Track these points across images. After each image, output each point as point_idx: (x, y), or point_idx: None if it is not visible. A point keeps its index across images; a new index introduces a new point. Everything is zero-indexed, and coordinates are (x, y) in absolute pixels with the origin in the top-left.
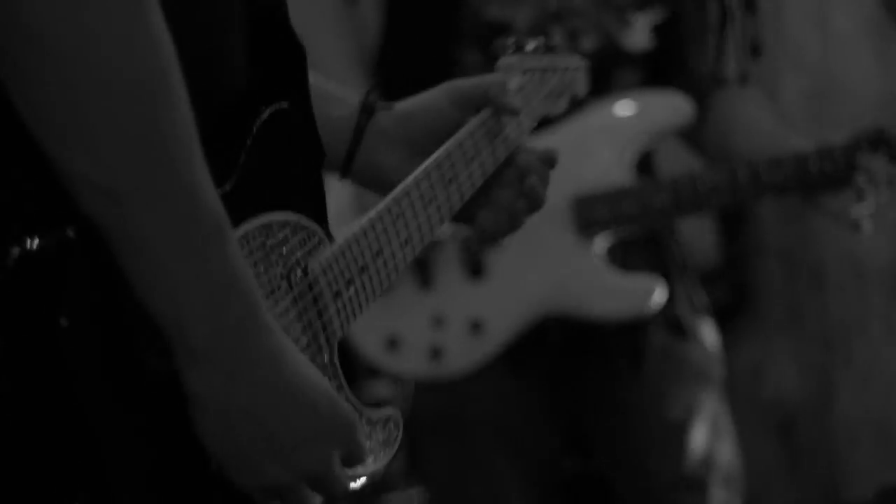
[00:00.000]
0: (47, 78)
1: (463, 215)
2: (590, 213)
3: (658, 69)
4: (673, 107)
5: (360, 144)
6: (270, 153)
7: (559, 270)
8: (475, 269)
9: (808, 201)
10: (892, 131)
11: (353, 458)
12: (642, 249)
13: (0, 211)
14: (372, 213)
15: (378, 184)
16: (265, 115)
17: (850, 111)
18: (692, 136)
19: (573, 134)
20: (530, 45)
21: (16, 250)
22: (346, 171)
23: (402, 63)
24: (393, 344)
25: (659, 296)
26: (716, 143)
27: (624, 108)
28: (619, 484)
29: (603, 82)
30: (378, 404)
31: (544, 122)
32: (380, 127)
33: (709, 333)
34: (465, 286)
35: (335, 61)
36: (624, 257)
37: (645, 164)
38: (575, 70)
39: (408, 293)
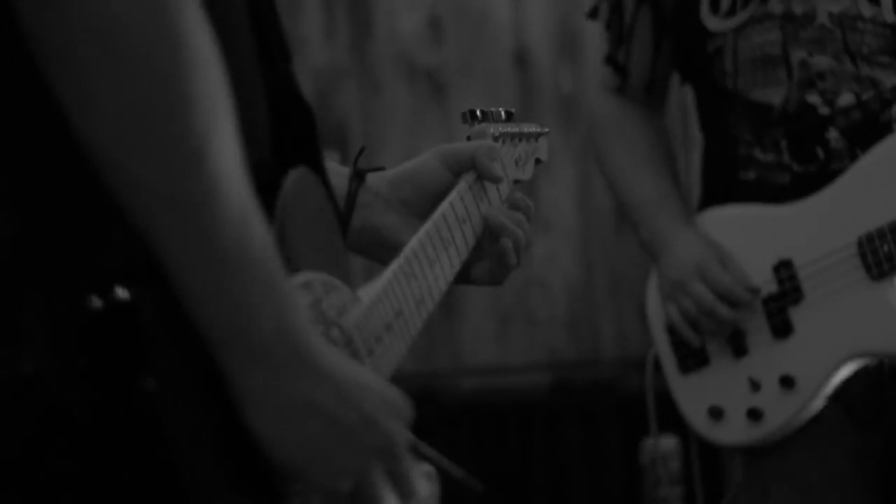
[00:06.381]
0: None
1: (459, 277)
2: (876, 251)
3: None
4: None
5: (354, 209)
6: (298, 216)
7: (857, 314)
8: (784, 329)
9: None
10: None
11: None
12: None
13: (80, 258)
14: (388, 274)
15: (376, 246)
16: (289, 180)
17: None
18: None
19: (853, 178)
20: (497, 113)
21: (97, 301)
22: (343, 236)
23: None
24: (716, 414)
25: None
26: None
27: None
28: None
29: (877, 128)
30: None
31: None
32: (373, 190)
33: None
34: (774, 347)
35: None
36: None
37: None
38: (539, 135)
39: (725, 363)
